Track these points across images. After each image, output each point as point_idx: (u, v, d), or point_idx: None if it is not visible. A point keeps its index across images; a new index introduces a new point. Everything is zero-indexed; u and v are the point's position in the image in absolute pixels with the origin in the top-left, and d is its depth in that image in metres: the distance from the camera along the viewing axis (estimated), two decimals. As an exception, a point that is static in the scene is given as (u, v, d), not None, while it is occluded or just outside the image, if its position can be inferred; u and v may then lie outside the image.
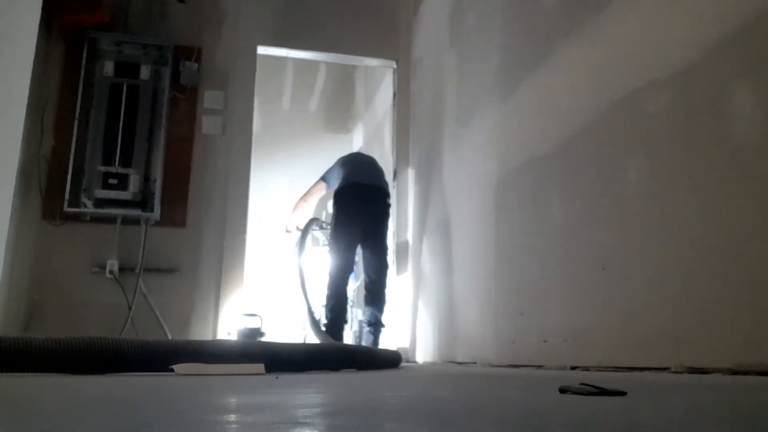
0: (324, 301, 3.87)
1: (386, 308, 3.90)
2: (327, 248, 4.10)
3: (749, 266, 1.57)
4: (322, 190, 4.23)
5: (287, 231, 4.30)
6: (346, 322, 3.93)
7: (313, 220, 4.29)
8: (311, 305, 3.99)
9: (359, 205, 3.89)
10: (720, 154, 1.69)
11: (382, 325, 3.83)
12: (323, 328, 3.78)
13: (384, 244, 3.96)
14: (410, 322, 4.45)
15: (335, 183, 4.08)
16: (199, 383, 1.38)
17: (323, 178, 4.23)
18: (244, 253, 4.41)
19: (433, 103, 4.38)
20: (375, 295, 3.83)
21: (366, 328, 3.82)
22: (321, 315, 3.98)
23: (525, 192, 2.83)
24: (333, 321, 3.76)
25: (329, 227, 4.17)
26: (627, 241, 2.06)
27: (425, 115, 4.55)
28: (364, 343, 3.76)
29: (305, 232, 4.23)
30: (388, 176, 4.47)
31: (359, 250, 4.01)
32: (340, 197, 3.94)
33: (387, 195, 4.05)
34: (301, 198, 4.28)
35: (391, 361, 2.74)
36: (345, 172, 4.06)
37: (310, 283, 4.18)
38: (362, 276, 4.09)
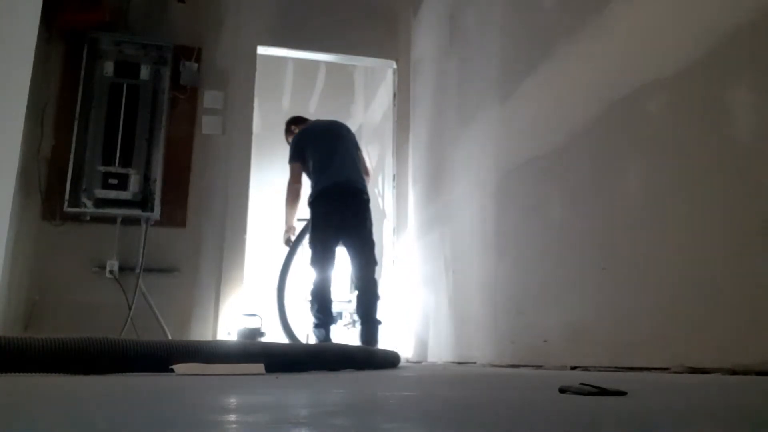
0: (309, 304, 3.81)
1: (380, 304, 3.80)
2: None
3: (749, 266, 1.57)
4: (301, 172, 4.00)
5: (287, 243, 4.08)
6: (333, 322, 3.88)
7: (305, 229, 4.08)
8: (284, 308, 3.97)
9: (333, 207, 3.79)
10: (719, 153, 1.69)
11: (378, 323, 3.75)
12: (314, 330, 3.75)
13: (366, 240, 3.83)
14: (409, 322, 4.45)
15: (309, 163, 3.92)
16: (199, 383, 1.38)
17: (297, 160, 4.00)
18: (244, 253, 4.41)
19: (433, 103, 4.38)
20: (364, 293, 3.75)
21: (359, 327, 3.76)
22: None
23: (525, 192, 2.83)
24: (320, 323, 3.72)
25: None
26: (627, 241, 2.06)
27: (425, 115, 4.55)
28: (359, 342, 3.70)
29: (298, 241, 4.15)
30: (360, 141, 4.32)
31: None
32: (314, 203, 3.85)
33: (361, 191, 3.88)
34: (288, 194, 4.01)
35: (390, 361, 2.74)
36: (315, 165, 3.89)
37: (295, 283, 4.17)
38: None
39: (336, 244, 3.85)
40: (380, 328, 3.78)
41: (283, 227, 4.09)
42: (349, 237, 3.82)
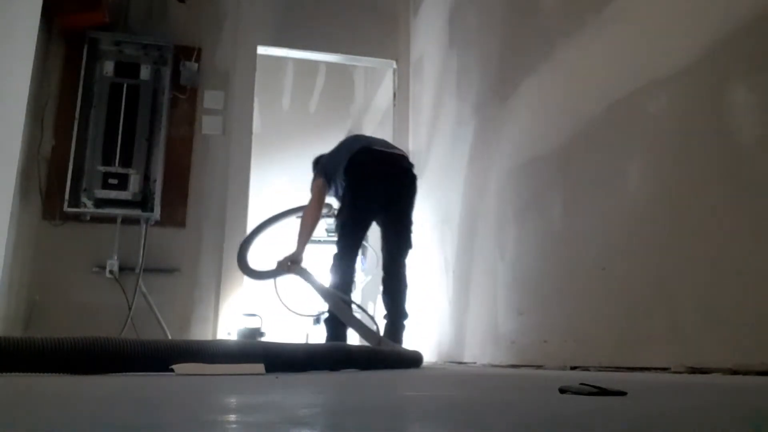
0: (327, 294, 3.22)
1: (408, 294, 3.36)
2: (336, 234, 3.39)
3: (749, 266, 1.57)
4: (325, 191, 3.40)
5: (286, 270, 3.39)
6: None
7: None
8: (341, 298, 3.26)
9: (379, 175, 3.26)
10: (719, 153, 1.69)
11: (406, 315, 3.33)
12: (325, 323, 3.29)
13: (409, 220, 3.38)
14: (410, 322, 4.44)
15: (340, 172, 3.33)
16: (199, 383, 1.38)
17: (322, 175, 3.39)
18: (244, 253, 4.40)
19: (433, 103, 4.38)
20: (395, 281, 3.31)
21: (384, 321, 3.31)
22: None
23: (525, 192, 2.83)
24: (333, 319, 3.24)
25: (334, 213, 3.64)
26: (627, 242, 2.06)
27: (425, 115, 4.55)
28: (384, 336, 3.14)
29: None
30: None
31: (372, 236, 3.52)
32: (353, 168, 3.27)
33: (411, 165, 3.43)
34: (308, 213, 3.35)
35: (394, 361, 2.72)
36: (349, 145, 3.42)
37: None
38: (377, 266, 3.54)
39: (369, 226, 3.34)
40: (407, 321, 3.35)
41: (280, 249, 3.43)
42: (392, 213, 3.33)
